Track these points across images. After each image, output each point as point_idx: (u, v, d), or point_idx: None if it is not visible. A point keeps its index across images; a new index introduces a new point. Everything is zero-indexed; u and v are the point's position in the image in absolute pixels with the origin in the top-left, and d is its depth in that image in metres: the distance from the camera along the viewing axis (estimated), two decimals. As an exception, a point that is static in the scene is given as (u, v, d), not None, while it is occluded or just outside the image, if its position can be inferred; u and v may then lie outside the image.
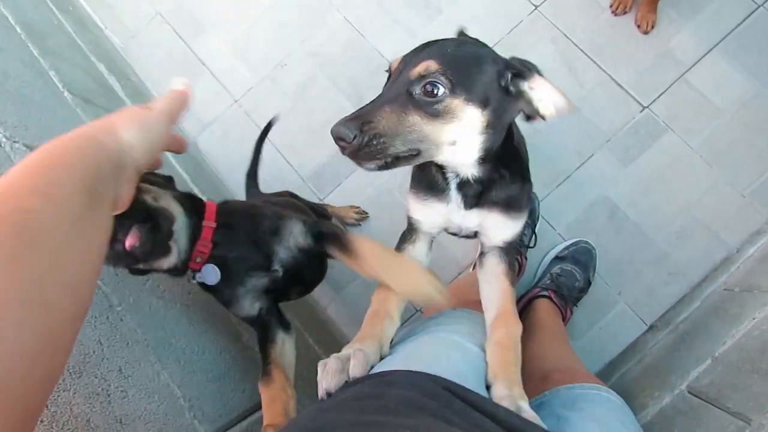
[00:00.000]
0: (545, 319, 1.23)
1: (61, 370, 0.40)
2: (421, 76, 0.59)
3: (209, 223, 0.76)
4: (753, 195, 1.37)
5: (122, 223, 0.62)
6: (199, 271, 0.75)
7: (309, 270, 0.89)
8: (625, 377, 1.27)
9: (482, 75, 0.62)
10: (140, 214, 0.64)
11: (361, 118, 0.57)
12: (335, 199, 1.55)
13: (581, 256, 1.34)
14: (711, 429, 0.86)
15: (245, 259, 0.77)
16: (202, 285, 0.77)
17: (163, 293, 0.85)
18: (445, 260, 1.46)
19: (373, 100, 0.61)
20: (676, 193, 1.40)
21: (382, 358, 0.67)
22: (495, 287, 0.79)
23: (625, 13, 1.49)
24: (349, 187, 1.56)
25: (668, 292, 1.37)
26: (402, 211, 0.86)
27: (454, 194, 0.75)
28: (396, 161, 0.61)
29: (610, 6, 1.50)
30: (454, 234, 0.85)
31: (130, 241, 0.62)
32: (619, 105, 1.47)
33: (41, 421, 0.52)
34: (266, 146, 1.61)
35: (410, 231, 0.84)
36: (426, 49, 0.63)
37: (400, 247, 0.84)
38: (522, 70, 0.64)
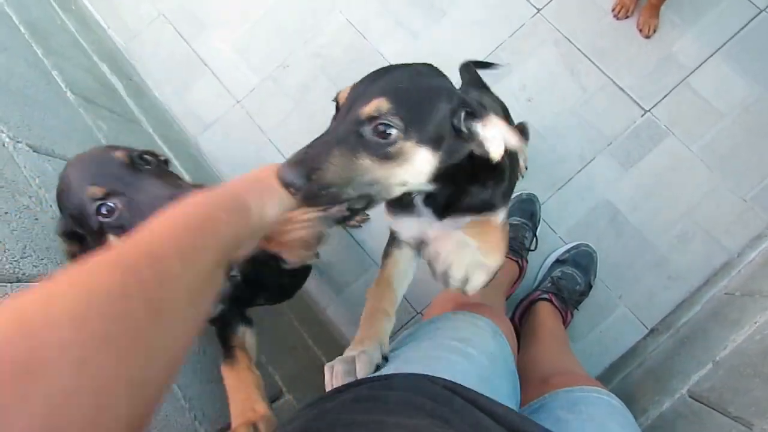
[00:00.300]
0: (546, 322, 1.23)
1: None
2: (372, 117, 0.56)
3: None
4: (754, 200, 1.37)
5: None
6: None
7: (270, 276, 0.86)
8: (626, 381, 1.27)
9: (436, 114, 0.59)
10: None
11: (309, 164, 0.53)
12: (336, 200, 1.55)
13: (582, 260, 1.34)
14: (712, 434, 0.86)
15: None
16: None
17: (164, 294, 0.85)
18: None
19: (321, 137, 0.57)
20: (677, 197, 1.40)
21: (383, 356, 0.67)
22: None
23: (627, 17, 1.49)
24: (351, 188, 1.56)
25: (669, 296, 1.36)
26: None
27: (422, 208, 0.74)
28: (351, 212, 0.59)
29: (613, 10, 1.50)
30: None
31: None
32: (621, 109, 1.47)
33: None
34: (267, 147, 1.62)
35: (393, 238, 0.84)
36: (377, 82, 0.59)
37: (387, 250, 0.84)
38: (476, 109, 0.61)
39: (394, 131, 0.56)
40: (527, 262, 1.37)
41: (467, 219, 0.73)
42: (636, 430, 0.75)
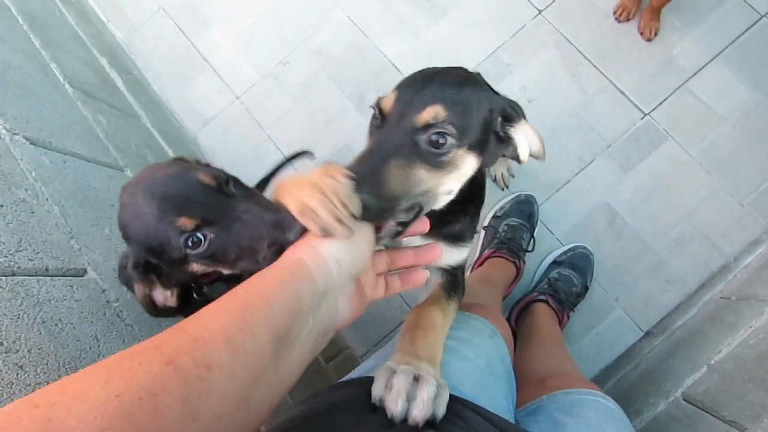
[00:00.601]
0: (542, 324, 1.23)
1: None
2: (429, 125, 0.54)
3: None
4: (752, 204, 1.37)
5: None
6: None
7: None
8: (621, 383, 1.27)
9: (482, 120, 0.59)
10: None
11: (373, 181, 0.50)
12: (335, 198, 1.55)
13: (579, 261, 1.35)
14: (705, 437, 0.86)
15: None
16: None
17: (160, 290, 0.85)
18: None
19: (372, 148, 0.54)
20: (676, 200, 1.41)
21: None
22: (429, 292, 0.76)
23: (628, 20, 1.49)
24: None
25: (665, 299, 1.37)
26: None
27: None
28: (402, 226, 0.55)
29: (614, 12, 1.50)
30: None
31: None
32: (621, 111, 1.47)
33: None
34: (266, 144, 1.61)
35: None
36: (427, 88, 0.57)
37: None
38: (512, 114, 0.62)
39: (449, 139, 0.55)
40: (524, 263, 1.37)
41: (440, 245, 0.68)
42: (631, 434, 0.75)
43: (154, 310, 0.62)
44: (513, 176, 1.46)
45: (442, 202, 0.61)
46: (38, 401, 0.30)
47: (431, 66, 0.66)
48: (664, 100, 1.46)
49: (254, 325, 0.39)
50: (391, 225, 0.55)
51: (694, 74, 1.46)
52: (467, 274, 1.42)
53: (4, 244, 0.62)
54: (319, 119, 1.60)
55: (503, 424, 0.56)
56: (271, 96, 1.63)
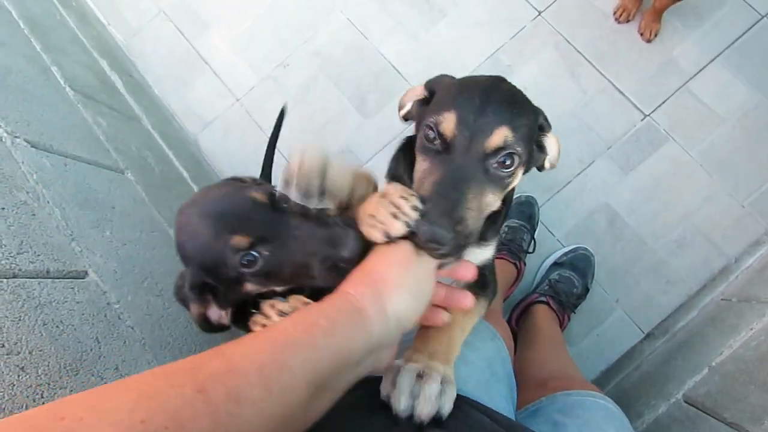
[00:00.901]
0: (543, 326, 1.23)
1: None
2: (499, 148, 0.53)
3: None
4: (753, 205, 1.37)
5: None
6: None
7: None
8: (622, 385, 1.27)
9: (532, 134, 0.59)
10: None
11: (453, 216, 0.49)
12: (335, 200, 1.55)
13: (580, 263, 1.35)
14: (707, 439, 0.86)
15: None
16: None
17: (161, 291, 0.85)
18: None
19: (445, 179, 0.52)
20: (676, 201, 1.41)
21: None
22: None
23: (628, 21, 1.49)
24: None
25: (666, 301, 1.37)
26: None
27: None
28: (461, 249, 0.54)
29: (614, 13, 1.51)
30: None
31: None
32: (621, 113, 1.47)
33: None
34: (266, 145, 1.62)
35: None
36: (490, 109, 0.55)
37: None
38: (544, 124, 0.63)
39: (516, 159, 0.54)
40: (525, 264, 1.37)
41: (470, 295, 0.68)
42: (631, 435, 0.75)
43: (208, 327, 0.62)
44: None
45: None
46: (65, 413, 0.30)
47: (455, 74, 0.66)
48: (665, 101, 1.46)
49: (294, 365, 0.37)
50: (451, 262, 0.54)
51: (695, 75, 1.46)
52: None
53: (5, 246, 0.62)
54: (318, 121, 1.60)
55: (510, 425, 0.56)
56: (270, 98, 1.64)
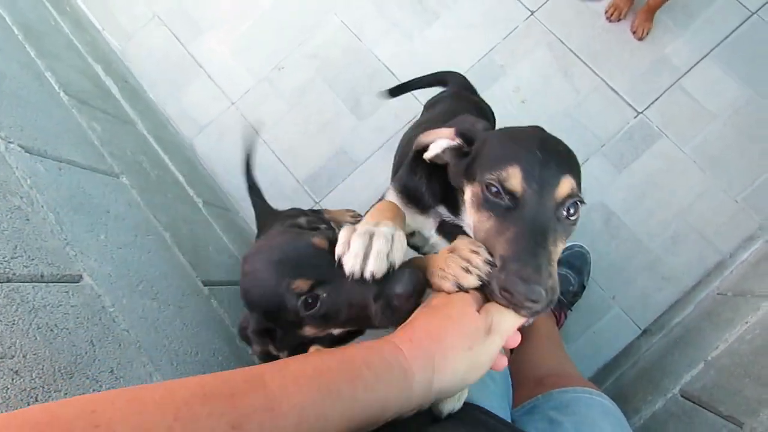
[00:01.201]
0: (539, 324, 1.23)
1: None
2: (567, 197, 0.54)
3: None
4: (746, 200, 1.38)
5: None
6: None
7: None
8: (619, 381, 1.27)
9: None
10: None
11: (543, 272, 0.49)
12: (331, 202, 1.56)
13: (575, 261, 1.35)
14: (703, 433, 0.86)
15: None
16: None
17: (156, 295, 0.85)
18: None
19: (525, 234, 0.51)
20: (670, 198, 1.41)
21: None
22: None
23: (620, 20, 1.50)
24: (346, 190, 1.56)
25: (662, 297, 1.37)
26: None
27: (433, 215, 0.75)
28: None
29: (606, 12, 1.52)
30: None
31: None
32: (614, 111, 1.48)
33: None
34: (262, 149, 1.62)
35: None
36: (552, 160, 0.55)
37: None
38: None
39: (579, 206, 0.56)
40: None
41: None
42: (627, 431, 0.75)
43: (269, 358, 0.65)
44: None
45: None
46: (99, 421, 0.29)
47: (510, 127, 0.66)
48: (657, 98, 1.47)
49: (332, 415, 0.37)
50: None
51: (686, 72, 1.47)
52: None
53: (-1, 251, 0.62)
54: (314, 123, 1.61)
55: (503, 425, 0.57)
56: (266, 101, 1.64)
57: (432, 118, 1.05)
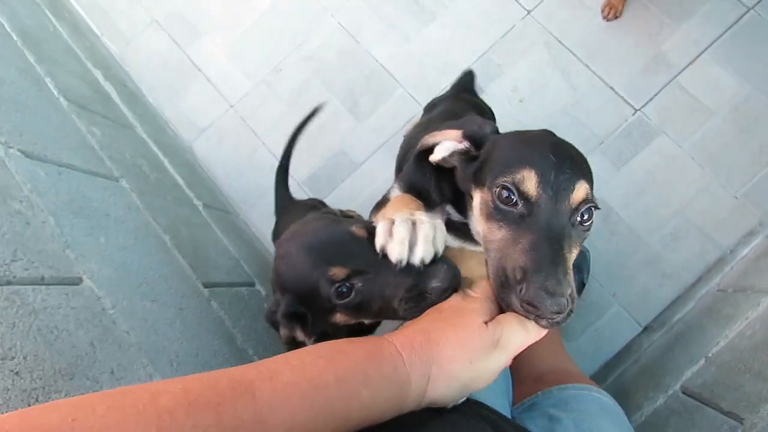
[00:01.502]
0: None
1: None
2: (581, 202, 0.53)
3: None
4: (745, 196, 1.38)
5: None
6: None
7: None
8: (621, 379, 1.27)
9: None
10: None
11: (563, 281, 0.47)
12: (331, 202, 1.56)
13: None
14: (704, 429, 0.86)
15: None
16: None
17: (156, 296, 0.85)
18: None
19: (541, 241, 0.50)
20: (670, 195, 1.41)
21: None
22: None
23: (616, 17, 1.51)
24: (345, 190, 1.57)
25: (662, 294, 1.37)
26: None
27: (440, 213, 0.74)
28: None
29: (602, 11, 1.52)
30: None
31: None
32: (612, 108, 1.48)
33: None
34: (261, 150, 1.63)
35: None
36: (567, 164, 0.54)
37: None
38: None
39: (593, 211, 0.55)
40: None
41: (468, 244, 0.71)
42: (628, 428, 0.75)
43: (294, 345, 0.64)
44: None
45: None
46: (76, 415, 0.29)
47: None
48: (655, 95, 1.47)
49: (322, 428, 0.36)
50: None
51: (684, 69, 1.47)
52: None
53: (-1, 254, 0.63)
54: (313, 125, 1.61)
55: (504, 421, 0.57)
56: (264, 103, 1.65)
57: (432, 119, 1.05)
